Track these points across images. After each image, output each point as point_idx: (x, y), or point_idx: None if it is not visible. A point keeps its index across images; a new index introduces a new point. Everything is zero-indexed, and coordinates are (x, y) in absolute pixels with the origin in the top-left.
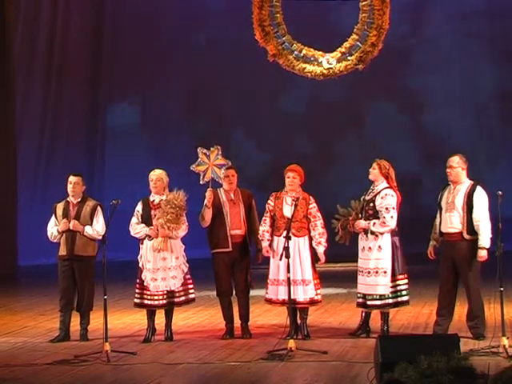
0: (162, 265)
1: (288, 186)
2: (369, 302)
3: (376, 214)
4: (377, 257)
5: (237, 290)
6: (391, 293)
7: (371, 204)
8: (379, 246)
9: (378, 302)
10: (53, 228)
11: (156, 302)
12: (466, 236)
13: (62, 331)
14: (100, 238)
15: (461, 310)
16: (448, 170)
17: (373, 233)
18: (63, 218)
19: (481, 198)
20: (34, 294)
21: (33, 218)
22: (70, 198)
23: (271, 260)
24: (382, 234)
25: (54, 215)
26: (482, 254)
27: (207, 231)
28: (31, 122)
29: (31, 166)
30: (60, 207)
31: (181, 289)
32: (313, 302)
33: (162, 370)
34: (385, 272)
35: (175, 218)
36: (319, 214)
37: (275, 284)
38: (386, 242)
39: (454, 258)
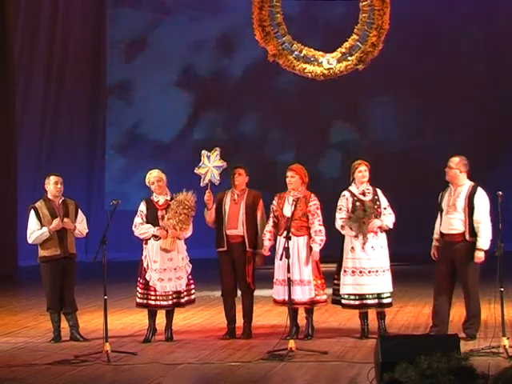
0: (170, 265)
1: (288, 186)
2: (385, 301)
3: (383, 212)
4: (384, 255)
5: (240, 290)
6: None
7: (378, 203)
8: (381, 246)
9: (390, 300)
10: (42, 229)
11: (163, 303)
12: (468, 238)
13: (57, 331)
14: (85, 235)
15: (460, 311)
16: (446, 169)
17: (385, 230)
18: (52, 218)
19: (482, 200)
20: (34, 294)
21: None
22: (52, 198)
23: (275, 260)
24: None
25: (35, 216)
26: (480, 256)
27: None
28: (31, 121)
29: (31, 166)
30: (42, 207)
31: (185, 289)
32: (313, 303)
33: (162, 370)
34: (388, 270)
35: (187, 218)
36: (318, 212)
37: (277, 284)
38: (385, 239)
39: (453, 259)
